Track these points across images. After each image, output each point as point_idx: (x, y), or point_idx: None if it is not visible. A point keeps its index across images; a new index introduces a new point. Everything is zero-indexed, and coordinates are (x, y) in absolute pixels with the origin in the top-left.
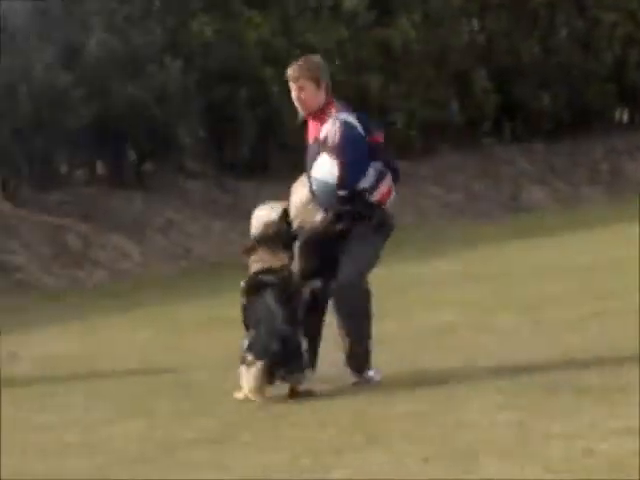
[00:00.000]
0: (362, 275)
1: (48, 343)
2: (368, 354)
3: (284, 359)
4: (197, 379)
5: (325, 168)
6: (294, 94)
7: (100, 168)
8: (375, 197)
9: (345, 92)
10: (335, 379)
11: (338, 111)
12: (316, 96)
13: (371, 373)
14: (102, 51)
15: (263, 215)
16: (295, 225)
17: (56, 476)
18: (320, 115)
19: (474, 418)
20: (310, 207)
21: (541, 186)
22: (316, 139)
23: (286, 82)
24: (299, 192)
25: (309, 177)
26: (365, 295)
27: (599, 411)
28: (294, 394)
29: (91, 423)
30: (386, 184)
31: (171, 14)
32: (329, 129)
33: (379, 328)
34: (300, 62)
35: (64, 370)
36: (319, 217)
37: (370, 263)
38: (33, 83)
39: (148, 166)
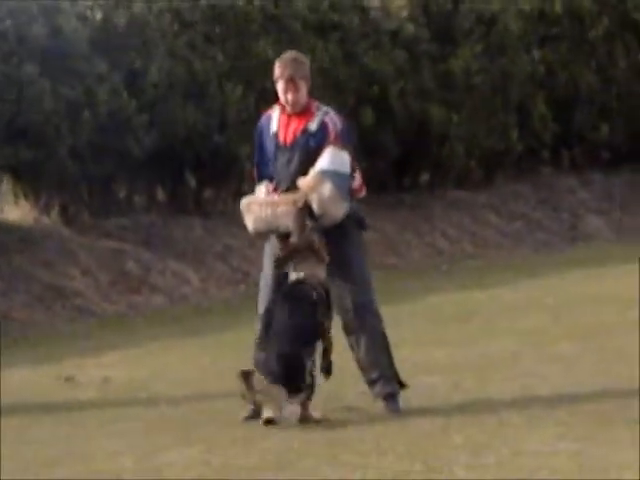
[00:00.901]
0: (373, 289)
1: (106, 368)
2: (398, 376)
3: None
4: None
5: (338, 160)
6: (290, 95)
7: (160, 194)
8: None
9: (405, 120)
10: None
11: (319, 106)
12: (305, 94)
13: (401, 402)
14: (163, 77)
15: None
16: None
17: None
18: (303, 112)
19: (532, 448)
20: (336, 202)
21: (600, 216)
22: (304, 131)
23: (348, 105)
24: (318, 188)
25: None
26: (379, 312)
27: None
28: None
29: (149, 449)
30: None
31: (232, 39)
32: (329, 120)
33: (439, 356)
34: (291, 60)
35: (122, 396)
36: (344, 209)
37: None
38: (95, 109)
39: (208, 192)
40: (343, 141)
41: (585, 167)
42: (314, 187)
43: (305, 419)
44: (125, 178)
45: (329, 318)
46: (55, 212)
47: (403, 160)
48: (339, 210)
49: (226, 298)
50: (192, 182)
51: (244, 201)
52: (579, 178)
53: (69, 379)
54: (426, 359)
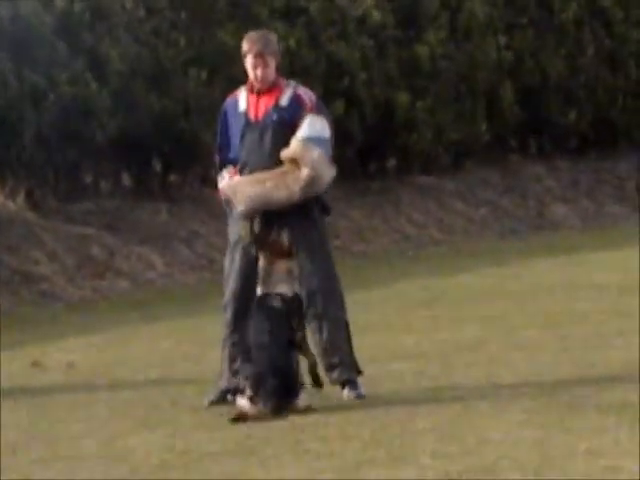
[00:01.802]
0: (338, 276)
1: (71, 353)
2: (357, 364)
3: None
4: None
5: (318, 126)
6: (259, 71)
7: (125, 179)
8: None
9: (371, 106)
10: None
11: (287, 82)
12: (274, 70)
13: (362, 388)
14: (128, 62)
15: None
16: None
17: None
18: (272, 88)
19: (497, 435)
20: (326, 165)
21: (566, 203)
22: (276, 106)
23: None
24: (306, 154)
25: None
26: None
27: (622, 429)
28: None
29: (112, 433)
30: None
31: (196, 25)
32: (302, 92)
33: (403, 342)
34: (259, 36)
35: (86, 380)
36: (332, 174)
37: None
38: (59, 93)
39: (173, 177)
40: (319, 110)
41: (552, 154)
42: (302, 154)
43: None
44: (91, 163)
45: (303, 330)
46: (21, 197)
47: (369, 146)
48: (328, 175)
49: (191, 284)
50: (158, 167)
51: (226, 185)
52: (546, 165)
53: (35, 364)
54: (393, 345)
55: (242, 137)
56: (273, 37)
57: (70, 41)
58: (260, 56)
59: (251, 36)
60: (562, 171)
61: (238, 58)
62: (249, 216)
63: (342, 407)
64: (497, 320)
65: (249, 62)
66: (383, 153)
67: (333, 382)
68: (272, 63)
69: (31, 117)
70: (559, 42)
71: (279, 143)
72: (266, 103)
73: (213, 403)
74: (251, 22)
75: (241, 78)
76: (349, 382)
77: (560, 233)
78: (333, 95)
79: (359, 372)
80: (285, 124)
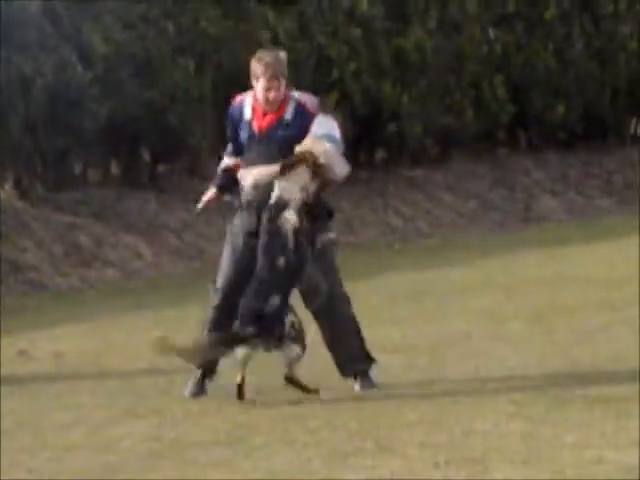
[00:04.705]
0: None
1: (58, 342)
2: (369, 355)
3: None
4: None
5: (327, 124)
6: (272, 94)
7: (114, 168)
8: None
9: (358, 98)
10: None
11: (289, 94)
12: (283, 91)
13: (374, 378)
14: (116, 50)
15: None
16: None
17: (63, 475)
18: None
19: (485, 427)
20: (339, 157)
21: (554, 197)
22: (280, 121)
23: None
24: (318, 145)
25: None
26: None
27: (609, 421)
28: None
29: (99, 422)
30: None
31: (185, 13)
32: (304, 98)
33: (392, 335)
34: (273, 58)
35: (73, 369)
36: (347, 168)
37: None
38: (47, 82)
39: (162, 167)
40: (324, 112)
41: (541, 148)
42: (313, 146)
43: (291, 381)
44: (79, 152)
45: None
46: (9, 185)
47: (358, 137)
48: (343, 166)
49: (179, 273)
50: (146, 156)
51: (242, 173)
52: (534, 159)
53: (22, 352)
54: (381, 337)
55: (248, 148)
56: (284, 56)
57: (56, 27)
58: (276, 79)
59: (264, 58)
60: (550, 164)
61: (227, 49)
62: (259, 189)
63: (330, 398)
64: (484, 313)
65: (262, 85)
66: (371, 145)
67: (346, 376)
68: (283, 84)
69: (19, 104)
70: (548, 36)
71: (286, 157)
72: (271, 117)
73: (195, 394)
74: (239, 12)
75: (229, 68)
76: (360, 374)
77: (548, 226)
78: (323, 87)
79: (372, 360)
80: (291, 140)
